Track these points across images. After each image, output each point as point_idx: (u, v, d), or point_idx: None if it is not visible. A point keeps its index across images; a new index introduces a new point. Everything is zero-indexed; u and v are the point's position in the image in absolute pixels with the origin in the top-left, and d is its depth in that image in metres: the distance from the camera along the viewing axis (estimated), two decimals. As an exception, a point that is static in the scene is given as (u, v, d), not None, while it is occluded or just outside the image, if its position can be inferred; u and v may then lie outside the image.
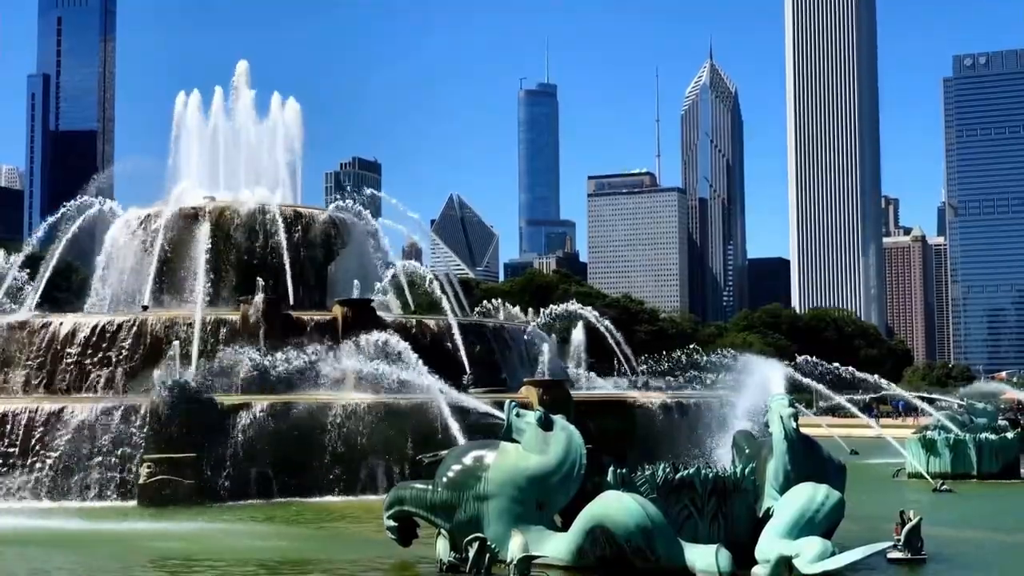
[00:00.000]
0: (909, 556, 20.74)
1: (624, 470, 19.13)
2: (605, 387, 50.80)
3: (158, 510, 30.40)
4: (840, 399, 45.31)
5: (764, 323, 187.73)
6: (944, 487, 37.45)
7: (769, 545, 18.72)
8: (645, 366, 55.56)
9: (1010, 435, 43.97)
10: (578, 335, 57.23)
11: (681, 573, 18.22)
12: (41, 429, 33.65)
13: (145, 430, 33.26)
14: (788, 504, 19.27)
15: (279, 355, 38.88)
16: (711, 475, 19.12)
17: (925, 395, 63.13)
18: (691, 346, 50.82)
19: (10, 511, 29.58)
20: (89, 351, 40.92)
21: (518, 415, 20.27)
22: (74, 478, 33.00)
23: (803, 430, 20.84)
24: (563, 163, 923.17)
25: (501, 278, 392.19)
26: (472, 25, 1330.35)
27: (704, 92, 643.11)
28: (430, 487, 20.13)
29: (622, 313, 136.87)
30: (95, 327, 41.35)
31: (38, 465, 33.17)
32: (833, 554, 18.27)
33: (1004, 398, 79.33)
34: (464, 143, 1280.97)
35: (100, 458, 33.16)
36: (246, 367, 38.88)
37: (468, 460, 20.16)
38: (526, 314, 58.89)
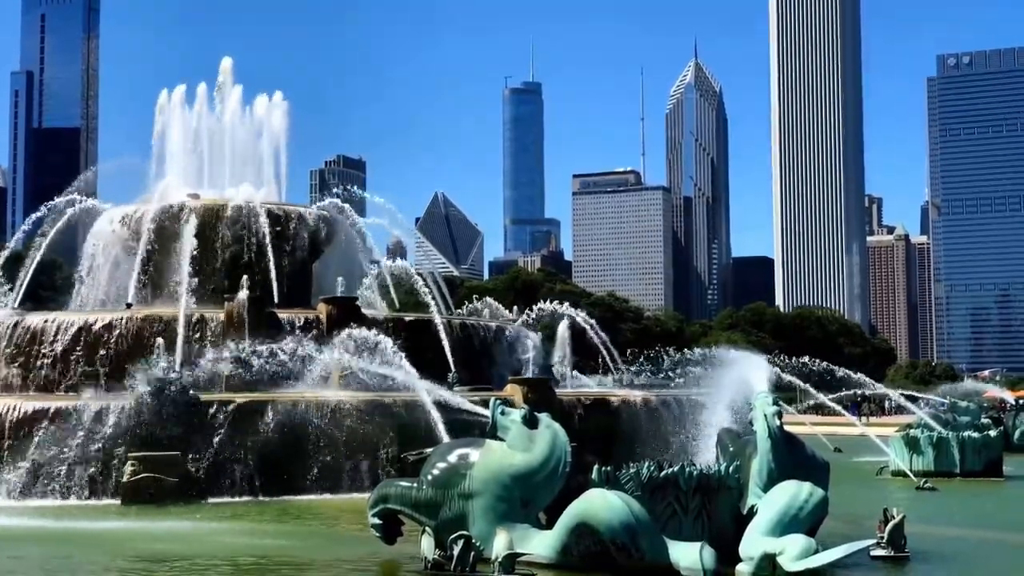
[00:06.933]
0: (892, 553, 20.82)
1: (609, 468, 19.15)
2: (590, 385, 50.83)
3: (141, 509, 30.29)
4: (822, 397, 45.44)
5: (748, 321, 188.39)
6: (927, 485, 37.57)
7: (753, 543, 18.76)
8: (630, 364, 55.55)
9: (993, 433, 44.15)
10: (563, 333, 57.20)
11: (666, 571, 18.25)
12: (23, 427, 33.52)
13: (128, 428, 33.17)
14: (772, 502, 19.33)
15: (263, 353, 38.77)
16: (696, 473, 19.14)
17: (906, 393, 63.30)
18: (676, 348, 50.83)
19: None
20: (72, 349, 40.79)
21: (503, 413, 20.31)
22: (56, 476, 32.85)
23: (787, 428, 20.91)
24: (548, 161, 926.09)
25: (486, 276, 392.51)
26: (457, 24, 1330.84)
27: (689, 91, 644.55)
28: (415, 485, 20.15)
29: (607, 311, 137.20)
30: (78, 325, 41.22)
31: (20, 464, 33.02)
32: (816, 551, 18.33)
33: (986, 396, 79.70)
34: (449, 141, 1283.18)
35: (83, 456, 33.00)
36: (230, 365, 38.78)
37: (453, 458, 20.18)
38: (511, 312, 58.88)
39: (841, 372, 48.62)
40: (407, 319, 45.31)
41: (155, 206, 48.99)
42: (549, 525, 19.65)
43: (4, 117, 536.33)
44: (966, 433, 43.34)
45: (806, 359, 47.02)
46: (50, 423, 33.39)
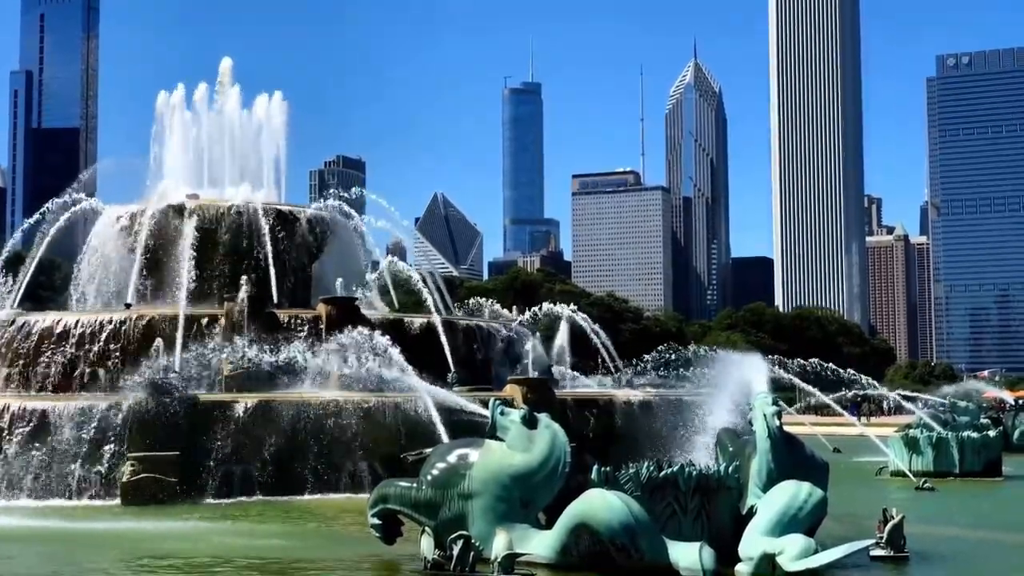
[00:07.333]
0: (892, 553, 20.83)
1: (608, 468, 19.15)
2: (589, 385, 50.80)
3: (141, 509, 30.30)
4: (821, 395, 45.46)
5: (748, 322, 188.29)
6: (926, 485, 37.58)
7: (752, 543, 18.77)
8: (628, 363, 55.54)
9: (992, 433, 44.16)
10: (562, 334, 57.20)
11: (665, 571, 18.26)
12: (22, 427, 33.50)
13: (127, 428, 33.16)
14: (771, 502, 19.34)
15: (263, 353, 38.81)
16: (695, 473, 19.14)
17: (904, 393, 63.35)
18: (675, 345, 50.88)
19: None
20: (71, 349, 40.78)
21: (502, 413, 20.31)
22: (56, 477, 32.86)
23: (787, 428, 20.93)
24: (547, 162, 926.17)
25: (485, 276, 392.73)
26: (457, 24, 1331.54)
27: (688, 91, 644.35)
28: (414, 485, 20.16)
29: (606, 312, 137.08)
30: (77, 325, 41.22)
31: (19, 463, 33.03)
32: (816, 552, 18.33)
33: (985, 396, 79.67)
34: (449, 141, 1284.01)
35: (82, 457, 32.99)
36: (229, 365, 38.80)
37: (452, 458, 20.18)
38: (511, 312, 58.87)
39: (847, 373, 48.71)
40: (406, 319, 45.30)
41: (155, 206, 48.98)
42: (549, 525, 19.66)
43: (3, 117, 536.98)
44: (965, 433, 43.35)
45: (815, 361, 47.02)
46: (49, 423, 33.37)
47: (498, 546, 18.40)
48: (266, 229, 47.57)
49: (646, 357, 52.32)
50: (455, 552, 18.68)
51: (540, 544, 19.28)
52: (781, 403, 21.20)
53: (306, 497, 33.08)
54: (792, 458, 20.45)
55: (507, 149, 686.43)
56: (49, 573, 20.93)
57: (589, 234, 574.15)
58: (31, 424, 33.51)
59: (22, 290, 48.68)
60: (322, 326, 41.24)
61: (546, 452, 19.64)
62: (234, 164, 54.52)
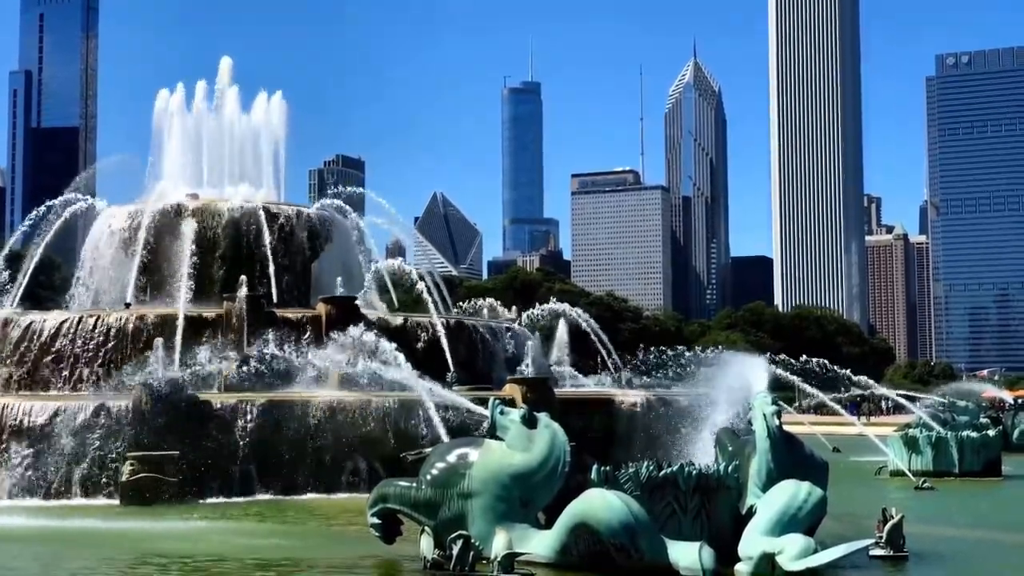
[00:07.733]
0: (891, 553, 20.83)
1: (608, 468, 19.15)
2: (588, 385, 50.81)
3: (140, 508, 30.30)
4: (821, 395, 45.46)
5: (747, 321, 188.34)
6: (926, 485, 37.57)
7: (752, 542, 18.77)
8: (629, 363, 55.52)
9: (991, 433, 44.15)
10: (562, 333, 57.18)
11: (665, 571, 18.25)
12: (22, 427, 33.52)
13: (127, 428, 33.17)
14: (771, 501, 19.34)
15: (262, 352, 38.79)
16: (695, 473, 19.14)
17: (902, 393, 63.35)
18: (677, 347, 50.84)
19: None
20: (71, 348, 40.79)
21: (502, 412, 20.31)
22: (55, 476, 32.88)
23: (786, 427, 20.92)
24: (547, 161, 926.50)
25: (485, 276, 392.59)
26: (457, 24, 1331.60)
27: (688, 91, 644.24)
28: (414, 485, 20.15)
29: (606, 311, 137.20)
30: (77, 324, 41.22)
31: (19, 463, 33.04)
32: (815, 551, 18.33)
33: (984, 396, 79.68)
34: (448, 141, 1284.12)
35: (82, 456, 33.02)
36: (229, 364, 38.82)
37: (452, 458, 20.17)
38: (510, 312, 58.84)
39: (845, 373, 48.73)
40: (406, 319, 45.30)
41: (154, 206, 48.99)
42: (548, 525, 19.66)
43: (3, 117, 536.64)
44: (965, 433, 43.33)
45: (816, 361, 46.95)
46: (49, 423, 33.38)
47: (498, 546, 18.40)
48: (265, 229, 47.59)
49: (639, 350, 52.27)
50: (455, 552, 18.68)
51: (540, 544, 19.28)
52: (780, 403, 21.20)
53: (306, 497, 33.09)
54: (792, 458, 20.45)
55: (507, 149, 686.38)
56: (49, 573, 20.94)
57: (588, 233, 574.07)
58: (31, 424, 33.52)
59: (21, 290, 48.71)
60: (322, 325, 41.22)
61: (546, 452, 19.64)
62: (233, 164, 54.52)
